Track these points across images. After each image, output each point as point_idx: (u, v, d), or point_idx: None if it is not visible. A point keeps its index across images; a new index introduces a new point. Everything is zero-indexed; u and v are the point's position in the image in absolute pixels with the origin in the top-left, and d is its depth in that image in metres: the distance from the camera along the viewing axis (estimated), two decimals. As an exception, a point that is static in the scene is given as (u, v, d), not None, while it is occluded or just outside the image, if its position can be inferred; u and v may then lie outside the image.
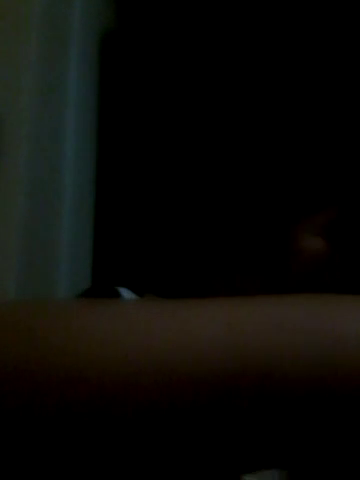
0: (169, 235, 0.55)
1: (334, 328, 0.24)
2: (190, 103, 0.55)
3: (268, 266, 0.49)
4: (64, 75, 0.65)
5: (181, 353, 0.23)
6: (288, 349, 0.23)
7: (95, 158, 0.69)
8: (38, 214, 0.63)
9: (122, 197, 0.69)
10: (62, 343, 0.24)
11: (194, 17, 0.67)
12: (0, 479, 0.23)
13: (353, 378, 0.23)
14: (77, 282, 0.65)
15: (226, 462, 0.24)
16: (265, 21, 0.60)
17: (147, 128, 0.67)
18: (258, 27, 0.60)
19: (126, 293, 0.50)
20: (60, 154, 0.65)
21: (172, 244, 0.55)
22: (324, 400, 0.23)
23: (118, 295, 0.49)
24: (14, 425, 0.23)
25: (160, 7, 0.70)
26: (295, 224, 0.48)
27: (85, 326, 0.24)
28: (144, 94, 0.70)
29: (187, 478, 0.24)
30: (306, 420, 0.23)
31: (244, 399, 0.23)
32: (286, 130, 0.49)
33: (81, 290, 0.51)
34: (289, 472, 0.48)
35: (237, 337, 0.24)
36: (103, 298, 0.48)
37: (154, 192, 0.59)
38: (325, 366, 0.23)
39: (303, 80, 0.51)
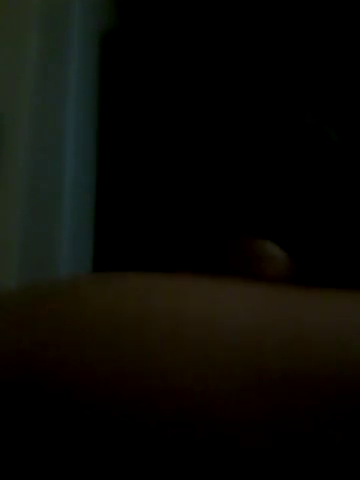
0: (169, 234, 0.55)
1: None
2: (190, 102, 0.55)
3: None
4: (64, 75, 0.65)
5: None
6: None
7: (95, 157, 0.69)
8: (38, 214, 0.63)
9: (122, 196, 0.69)
10: None
11: (194, 16, 0.67)
12: None
13: None
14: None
15: None
16: (266, 19, 0.60)
17: (147, 127, 0.67)
18: (258, 25, 0.60)
19: None
20: (60, 154, 0.65)
21: (172, 242, 0.55)
22: None
23: None
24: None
25: (160, 6, 0.70)
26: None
27: None
28: (144, 93, 0.70)
29: None
30: None
31: None
32: (288, 129, 0.49)
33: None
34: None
35: None
36: None
37: (155, 192, 0.59)
38: None
39: (302, 83, 0.51)
